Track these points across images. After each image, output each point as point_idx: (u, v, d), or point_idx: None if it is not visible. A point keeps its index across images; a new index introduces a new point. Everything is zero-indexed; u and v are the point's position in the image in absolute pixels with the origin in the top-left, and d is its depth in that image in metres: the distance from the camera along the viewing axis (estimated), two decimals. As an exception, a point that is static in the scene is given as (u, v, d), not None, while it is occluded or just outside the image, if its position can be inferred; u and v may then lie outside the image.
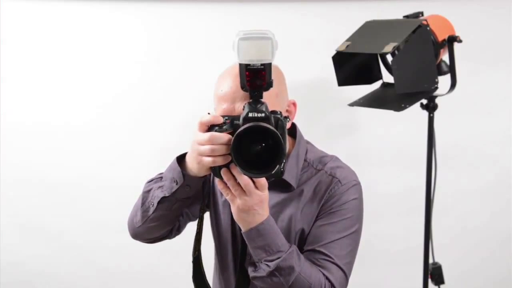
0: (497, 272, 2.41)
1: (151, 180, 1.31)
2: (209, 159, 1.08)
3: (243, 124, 1.05)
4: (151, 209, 1.26)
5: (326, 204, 1.28)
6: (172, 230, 1.38)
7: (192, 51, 2.26)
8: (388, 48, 1.68)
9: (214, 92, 1.26)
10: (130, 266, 2.40)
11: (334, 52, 1.86)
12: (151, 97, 2.29)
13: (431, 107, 1.91)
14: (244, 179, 1.08)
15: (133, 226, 1.34)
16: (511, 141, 2.32)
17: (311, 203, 1.29)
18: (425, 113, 1.93)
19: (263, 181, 1.09)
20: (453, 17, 1.85)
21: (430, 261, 2.03)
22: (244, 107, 1.08)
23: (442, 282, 2.05)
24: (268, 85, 1.06)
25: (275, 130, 1.02)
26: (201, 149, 1.09)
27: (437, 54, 1.79)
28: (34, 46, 2.27)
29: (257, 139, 1.03)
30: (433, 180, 1.96)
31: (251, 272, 1.19)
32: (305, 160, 1.34)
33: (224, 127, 1.08)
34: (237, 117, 1.08)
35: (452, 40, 1.79)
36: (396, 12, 1.92)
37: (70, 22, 2.25)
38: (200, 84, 2.25)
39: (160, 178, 1.27)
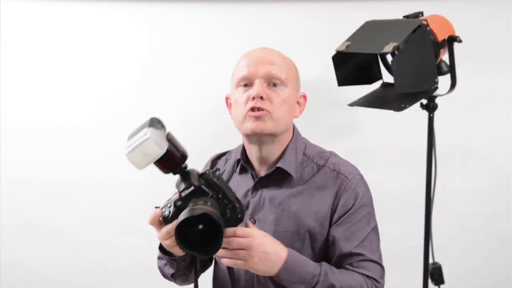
0: (497, 272, 2.40)
1: (158, 257, 1.39)
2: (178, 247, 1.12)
3: (183, 204, 1.10)
4: (173, 280, 1.37)
5: (341, 204, 1.30)
6: (202, 267, 1.44)
7: (192, 51, 2.26)
8: (388, 48, 1.68)
9: (234, 71, 1.34)
10: (130, 266, 2.40)
11: (334, 52, 1.86)
12: (151, 97, 2.29)
13: (431, 107, 1.91)
14: (232, 242, 1.13)
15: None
16: (511, 141, 2.32)
17: (320, 199, 1.31)
18: (425, 113, 1.93)
19: (242, 230, 1.14)
20: (453, 17, 1.85)
21: (430, 261, 2.03)
22: (176, 185, 1.13)
23: (442, 282, 2.04)
24: (182, 157, 1.09)
25: (203, 209, 1.05)
26: (166, 243, 1.16)
27: (437, 54, 1.79)
28: (34, 46, 2.27)
29: (196, 222, 1.06)
30: (433, 180, 1.96)
31: None
32: (304, 155, 1.36)
33: (171, 214, 1.13)
34: (177, 199, 1.12)
35: (452, 40, 1.79)
36: (396, 12, 1.92)
37: (70, 22, 2.26)
38: (200, 83, 2.26)
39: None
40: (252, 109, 1.28)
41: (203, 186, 1.11)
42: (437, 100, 1.91)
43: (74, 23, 2.25)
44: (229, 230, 1.12)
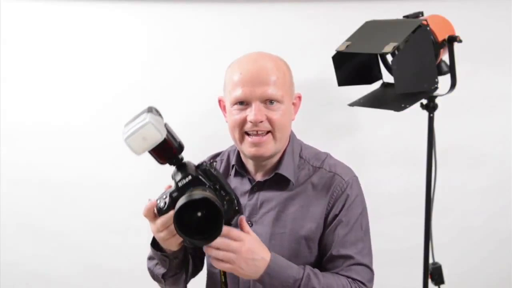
0: (497, 272, 2.40)
1: (149, 257, 1.36)
2: (172, 239, 1.13)
3: (179, 194, 1.08)
4: (163, 282, 1.33)
5: (335, 206, 1.30)
6: (194, 273, 1.42)
7: (192, 51, 2.26)
8: (388, 48, 1.68)
9: (227, 80, 1.29)
10: (130, 266, 2.40)
11: (334, 52, 1.86)
12: (151, 97, 2.29)
13: (431, 107, 1.91)
14: (222, 244, 1.12)
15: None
16: (511, 141, 2.32)
17: (316, 200, 1.31)
18: (425, 113, 1.93)
19: (233, 232, 1.13)
20: (453, 17, 1.85)
21: (430, 261, 2.03)
22: (172, 176, 1.11)
23: (442, 282, 2.05)
24: (178, 148, 1.09)
25: (202, 194, 1.04)
26: (161, 236, 1.14)
27: (437, 54, 1.79)
28: (34, 46, 2.27)
29: (195, 208, 1.05)
30: (433, 180, 1.96)
31: None
32: (300, 157, 1.36)
33: (167, 204, 1.11)
34: (173, 190, 1.11)
35: (452, 40, 1.79)
36: (396, 12, 1.92)
37: (70, 22, 2.26)
38: (200, 83, 2.26)
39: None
40: (250, 133, 1.28)
41: (200, 177, 1.10)
42: (437, 100, 1.91)
43: (74, 23, 2.25)
44: (224, 229, 1.10)
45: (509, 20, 2.23)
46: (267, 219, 1.32)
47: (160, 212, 1.12)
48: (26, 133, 2.32)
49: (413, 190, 2.16)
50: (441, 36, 1.78)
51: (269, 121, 1.27)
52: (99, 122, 2.31)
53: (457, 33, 1.82)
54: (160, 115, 1.10)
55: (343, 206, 1.30)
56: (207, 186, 1.10)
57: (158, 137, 1.05)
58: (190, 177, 1.09)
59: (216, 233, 1.05)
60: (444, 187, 2.07)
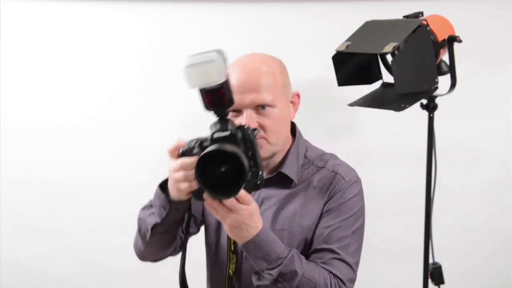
0: (497, 272, 2.41)
1: (144, 207, 1.33)
2: (185, 184, 1.10)
3: (210, 145, 1.06)
4: (148, 235, 1.29)
5: (331, 201, 1.30)
6: (175, 248, 1.39)
7: (192, 51, 2.25)
8: (388, 48, 1.68)
9: None
10: (130, 266, 2.38)
11: (334, 52, 1.86)
12: (151, 97, 2.29)
13: (431, 107, 1.91)
14: (229, 202, 1.09)
15: (138, 250, 1.38)
16: (511, 141, 2.32)
17: (316, 198, 1.31)
18: (425, 113, 1.93)
19: (245, 195, 1.10)
20: (453, 17, 1.85)
21: (430, 261, 2.03)
22: (210, 126, 1.09)
23: (442, 282, 2.05)
24: (229, 101, 1.07)
25: (235, 150, 1.02)
26: (176, 176, 1.11)
27: (437, 54, 1.79)
28: (34, 46, 2.27)
29: (222, 161, 1.03)
30: (433, 180, 1.96)
31: (255, 281, 1.20)
32: (305, 157, 1.36)
33: (194, 151, 1.10)
34: (205, 139, 1.09)
35: (452, 40, 1.79)
36: (396, 12, 1.92)
37: (70, 22, 2.26)
38: (200, 84, 2.26)
39: (151, 205, 1.29)
40: None
41: (238, 137, 1.07)
42: (437, 100, 1.91)
43: (74, 23, 2.25)
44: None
45: (509, 20, 2.23)
46: (267, 216, 1.32)
47: (185, 154, 1.10)
48: (26, 133, 2.31)
49: (413, 190, 2.16)
50: (441, 36, 1.78)
51: (261, 127, 1.27)
52: (99, 122, 2.31)
53: (457, 33, 1.82)
54: (226, 61, 1.06)
55: (337, 202, 1.29)
56: (240, 148, 1.07)
57: (217, 79, 1.02)
58: (228, 132, 1.07)
59: (233, 193, 1.03)
60: (444, 187, 2.07)
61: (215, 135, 1.07)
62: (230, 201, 1.09)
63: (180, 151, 1.12)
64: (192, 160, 1.07)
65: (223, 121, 1.08)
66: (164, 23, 2.26)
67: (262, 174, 1.11)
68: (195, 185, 1.08)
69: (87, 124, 2.31)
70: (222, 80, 1.03)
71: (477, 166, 2.34)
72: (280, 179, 1.33)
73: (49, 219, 2.37)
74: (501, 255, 2.40)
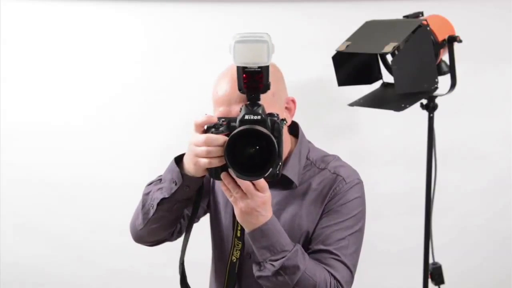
0: (497, 272, 2.41)
1: (151, 183, 1.31)
2: (205, 160, 1.08)
3: (239, 126, 1.05)
4: (151, 211, 1.26)
5: (331, 202, 1.29)
6: (173, 232, 1.38)
7: (192, 51, 2.26)
8: (388, 48, 1.68)
9: (212, 92, 1.26)
10: (130, 266, 2.40)
11: (334, 52, 1.86)
12: (151, 97, 2.29)
13: (431, 107, 1.91)
14: (244, 182, 1.08)
15: (135, 229, 1.34)
16: (511, 141, 2.32)
17: (316, 200, 1.30)
18: (425, 113, 1.93)
19: (263, 182, 1.10)
20: (453, 17, 1.85)
21: (430, 261, 2.03)
22: (241, 109, 1.08)
23: (442, 282, 2.05)
24: (266, 87, 1.06)
25: (269, 133, 1.03)
26: (197, 151, 1.09)
27: (437, 54, 1.79)
28: (34, 46, 2.27)
29: (251, 142, 1.03)
30: (433, 180, 1.96)
31: (256, 272, 1.20)
32: (307, 159, 1.35)
33: (221, 128, 1.09)
34: (234, 119, 1.09)
35: (452, 40, 1.79)
36: (396, 12, 1.92)
37: (70, 22, 2.26)
38: (200, 84, 2.25)
39: (159, 180, 1.27)
40: None
41: (267, 124, 1.07)
42: (437, 100, 1.91)
43: (74, 23, 2.25)
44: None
45: (509, 20, 2.23)
46: None
47: (210, 130, 1.10)
48: (26, 133, 2.32)
49: (413, 190, 2.17)
50: (441, 36, 1.78)
51: None
52: (99, 122, 2.31)
53: (457, 33, 1.82)
54: (273, 47, 1.05)
55: (337, 203, 1.29)
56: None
57: (264, 59, 1.02)
58: (259, 117, 1.06)
59: (262, 174, 1.02)
60: (444, 187, 2.07)
61: (246, 117, 1.06)
62: (247, 186, 1.08)
63: (205, 126, 1.11)
64: (218, 137, 1.06)
65: (255, 105, 1.07)
66: (164, 23, 2.26)
67: (281, 165, 1.10)
68: (215, 162, 1.07)
69: (87, 124, 2.31)
70: (267, 63, 1.03)
71: (477, 166, 2.34)
72: (281, 180, 1.32)
73: (49, 219, 2.37)
74: (501, 255, 2.40)
